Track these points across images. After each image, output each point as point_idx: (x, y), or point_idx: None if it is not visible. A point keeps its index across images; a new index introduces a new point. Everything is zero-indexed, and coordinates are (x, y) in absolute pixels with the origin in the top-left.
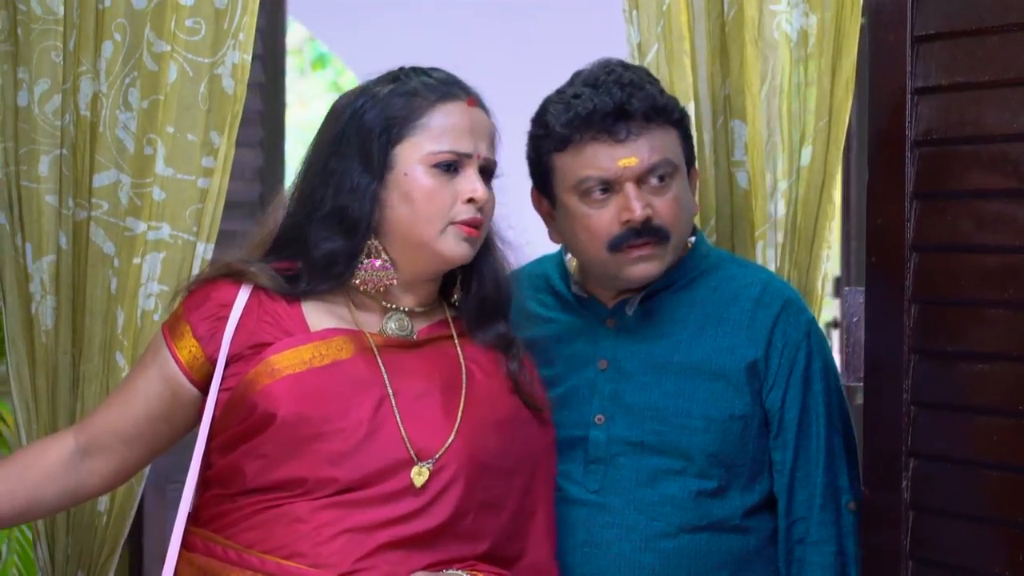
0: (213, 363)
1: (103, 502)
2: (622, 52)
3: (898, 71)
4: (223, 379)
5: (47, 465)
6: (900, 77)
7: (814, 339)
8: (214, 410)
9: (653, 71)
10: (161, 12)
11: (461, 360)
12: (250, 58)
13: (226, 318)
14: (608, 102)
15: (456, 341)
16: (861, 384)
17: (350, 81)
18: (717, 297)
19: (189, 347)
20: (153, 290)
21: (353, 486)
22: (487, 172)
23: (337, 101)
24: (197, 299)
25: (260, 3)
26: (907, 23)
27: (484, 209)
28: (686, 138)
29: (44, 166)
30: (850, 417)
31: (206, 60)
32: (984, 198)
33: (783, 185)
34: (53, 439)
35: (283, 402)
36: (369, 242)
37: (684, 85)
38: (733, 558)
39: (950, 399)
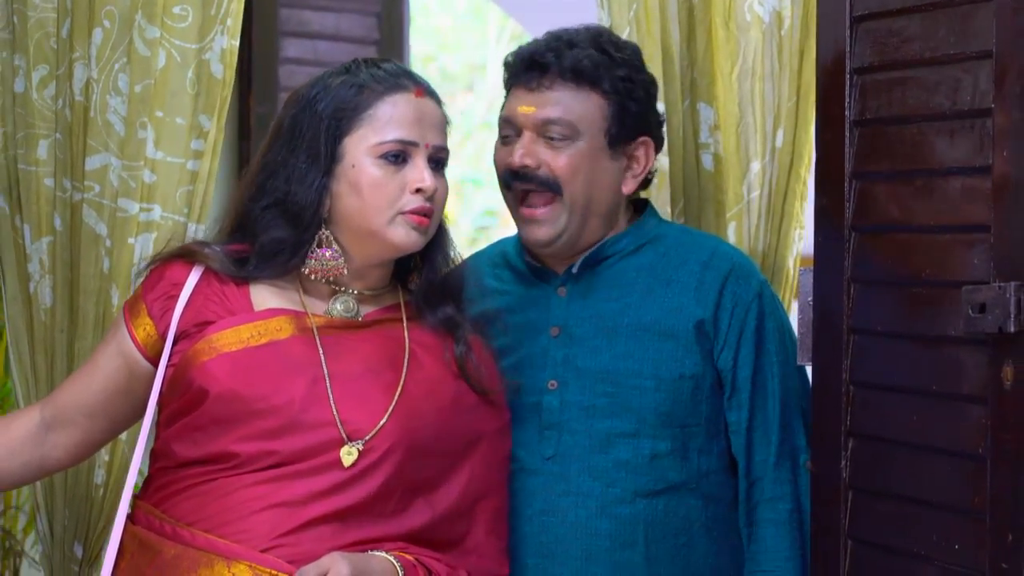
0: (165, 340)
1: (100, 475)
2: None
3: (838, 51)
4: (170, 355)
5: (13, 437)
6: (840, 57)
7: (766, 300)
8: (161, 385)
9: None
10: None
11: (406, 342)
12: (238, 43)
13: (177, 297)
14: (528, 51)
15: (404, 324)
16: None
17: None
18: (666, 261)
19: (144, 325)
20: None
21: (284, 462)
22: (438, 162)
23: (294, 91)
24: (153, 279)
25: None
26: (847, 3)
27: (434, 198)
28: (622, 113)
29: (43, 150)
30: (807, 379)
31: (193, 46)
32: (910, 178)
33: (756, 166)
34: (20, 413)
35: (217, 379)
36: (320, 232)
37: (656, 68)
38: (691, 523)
39: (886, 380)
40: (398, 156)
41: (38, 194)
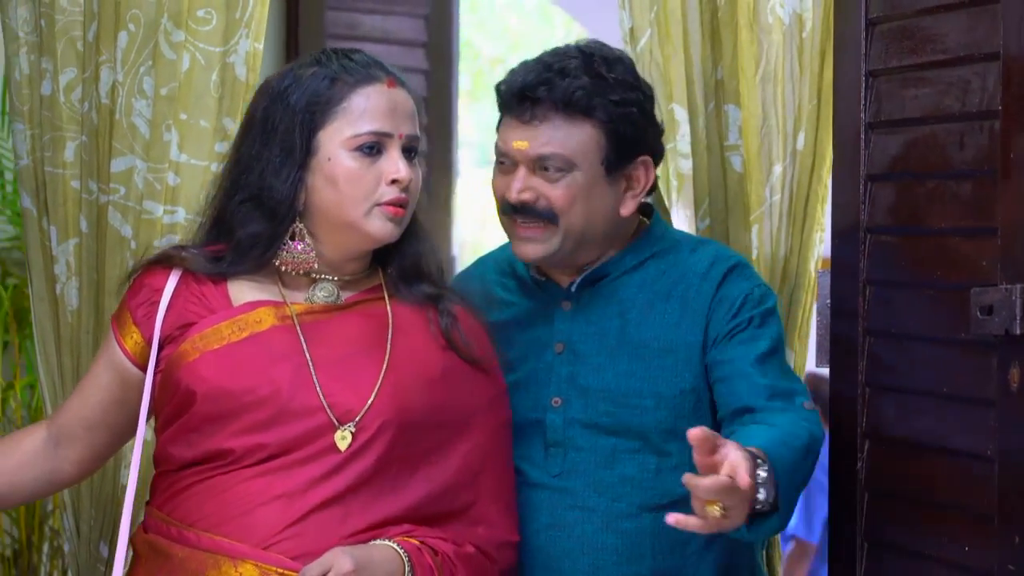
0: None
1: (125, 475)
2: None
3: (854, 53)
4: (158, 361)
5: (24, 452)
6: (856, 61)
7: (756, 297)
8: (152, 390)
9: (646, 56)
10: (177, 2)
11: (389, 319)
12: (262, 46)
13: (158, 302)
14: (519, 82)
15: (387, 302)
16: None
17: None
18: (666, 277)
19: (131, 333)
20: None
21: (278, 452)
22: (410, 151)
23: (264, 82)
24: (135, 288)
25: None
26: (862, 6)
27: (409, 188)
28: (618, 139)
29: (69, 152)
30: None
31: (218, 49)
32: (922, 180)
33: (778, 169)
34: (29, 429)
35: (202, 379)
36: (294, 225)
37: (678, 70)
38: (699, 536)
39: (900, 382)
40: (373, 148)
41: (65, 196)
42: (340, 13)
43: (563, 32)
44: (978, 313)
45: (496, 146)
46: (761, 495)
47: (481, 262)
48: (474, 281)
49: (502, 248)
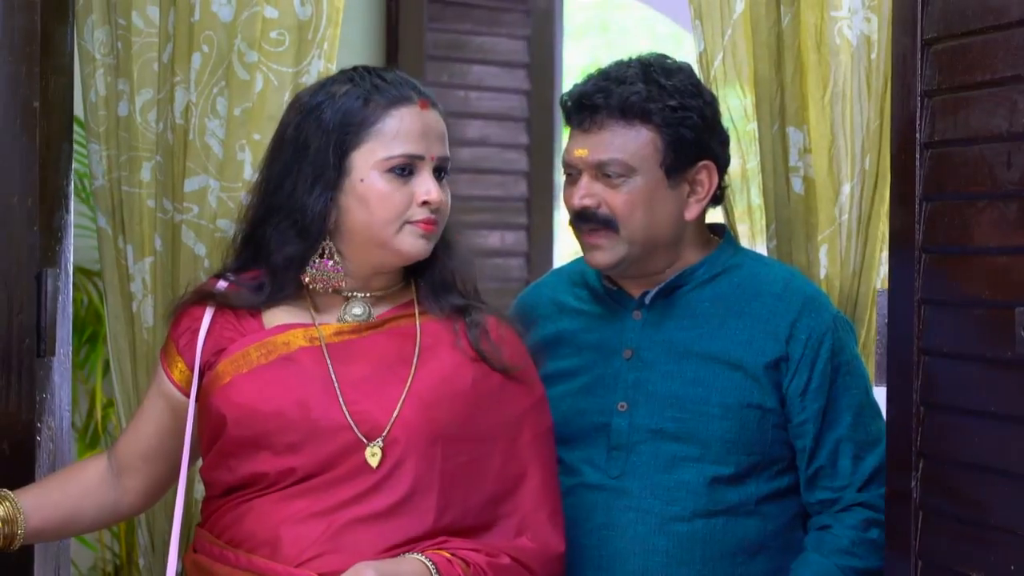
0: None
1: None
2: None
3: (910, 74)
4: (199, 387)
5: (87, 480)
6: (912, 80)
7: (839, 334)
8: (195, 417)
9: (720, 79)
10: (251, 24)
11: (417, 336)
12: (334, 66)
13: (199, 330)
14: (578, 92)
15: (417, 319)
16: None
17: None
18: (739, 293)
19: (176, 363)
20: None
21: (311, 473)
22: (441, 170)
23: (297, 97)
24: (177, 318)
25: (528, 17)
26: (918, 26)
27: (439, 208)
28: (677, 142)
29: (146, 172)
30: (881, 413)
31: (290, 70)
32: (974, 199)
33: (847, 189)
34: (91, 458)
35: (232, 404)
36: (323, 243)
37: (749, 93)
38: (749, 543)
39: (954, 401)
40: (405, 169)
41: (140, 215)
42: (440, 34)
43: (692, 54)
44: (1022, 333)
45: (563, 159)
46: None
47: (555, 273)
48: (545, 290)
49: (575, 261)
